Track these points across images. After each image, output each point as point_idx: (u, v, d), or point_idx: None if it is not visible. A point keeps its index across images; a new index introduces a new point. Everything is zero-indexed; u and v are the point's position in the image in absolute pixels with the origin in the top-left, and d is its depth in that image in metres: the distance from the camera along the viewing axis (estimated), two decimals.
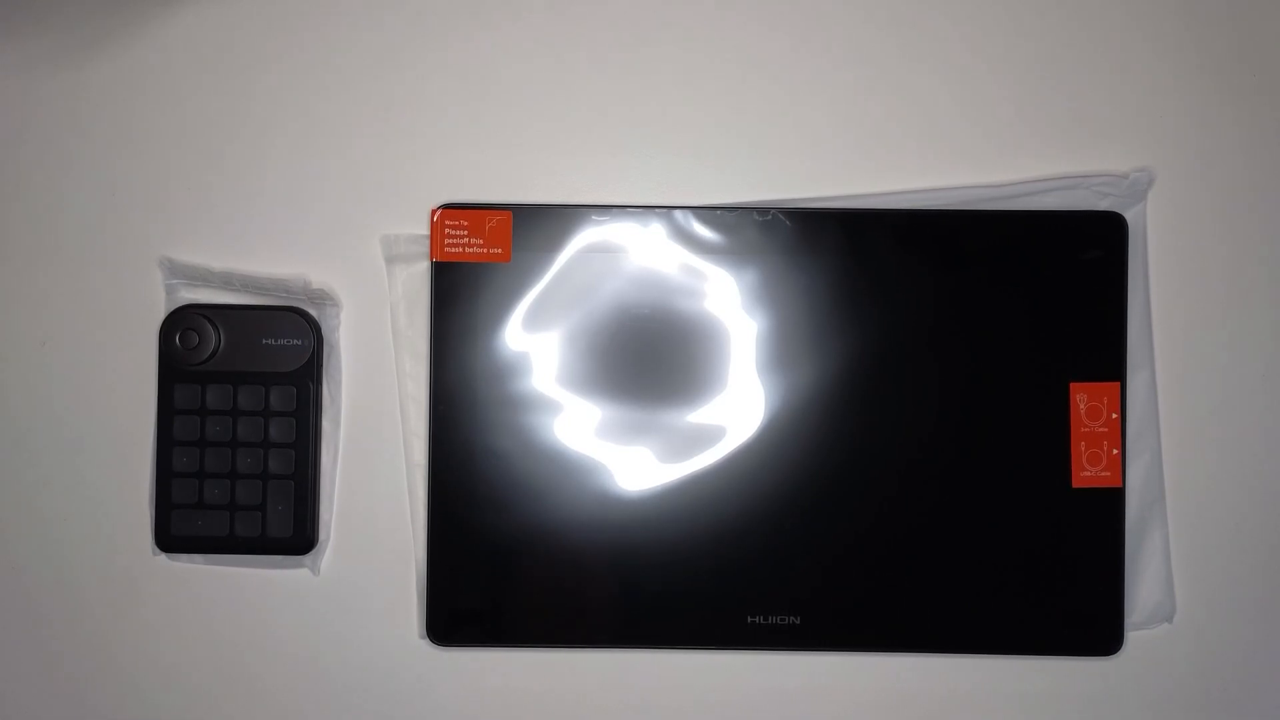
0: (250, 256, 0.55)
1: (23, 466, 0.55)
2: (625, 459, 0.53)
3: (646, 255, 0.54)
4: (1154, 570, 0.55)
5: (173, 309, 0.54)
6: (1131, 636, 0.55)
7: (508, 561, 0.54)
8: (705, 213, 0.54)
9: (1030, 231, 0.54)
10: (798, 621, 0.54)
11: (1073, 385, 0.54)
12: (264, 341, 0.54)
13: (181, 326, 0.54)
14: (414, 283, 0.55)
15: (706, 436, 0.54)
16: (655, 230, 0.54)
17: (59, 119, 0.56)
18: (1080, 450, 0.54)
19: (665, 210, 0.54)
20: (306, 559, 0.55)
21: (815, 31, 0.56)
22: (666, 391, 0.54)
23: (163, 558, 0.55)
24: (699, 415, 0.54)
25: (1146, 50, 0.56)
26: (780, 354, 0.54)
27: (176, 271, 0.55)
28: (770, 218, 0.54)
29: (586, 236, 0.54)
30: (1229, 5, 0.56)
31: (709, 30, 0.56)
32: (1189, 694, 0.55)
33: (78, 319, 0.55)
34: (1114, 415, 0.54)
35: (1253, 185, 0.55)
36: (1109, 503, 0.54)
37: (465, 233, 0.54)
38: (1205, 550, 0.55)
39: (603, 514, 0.53)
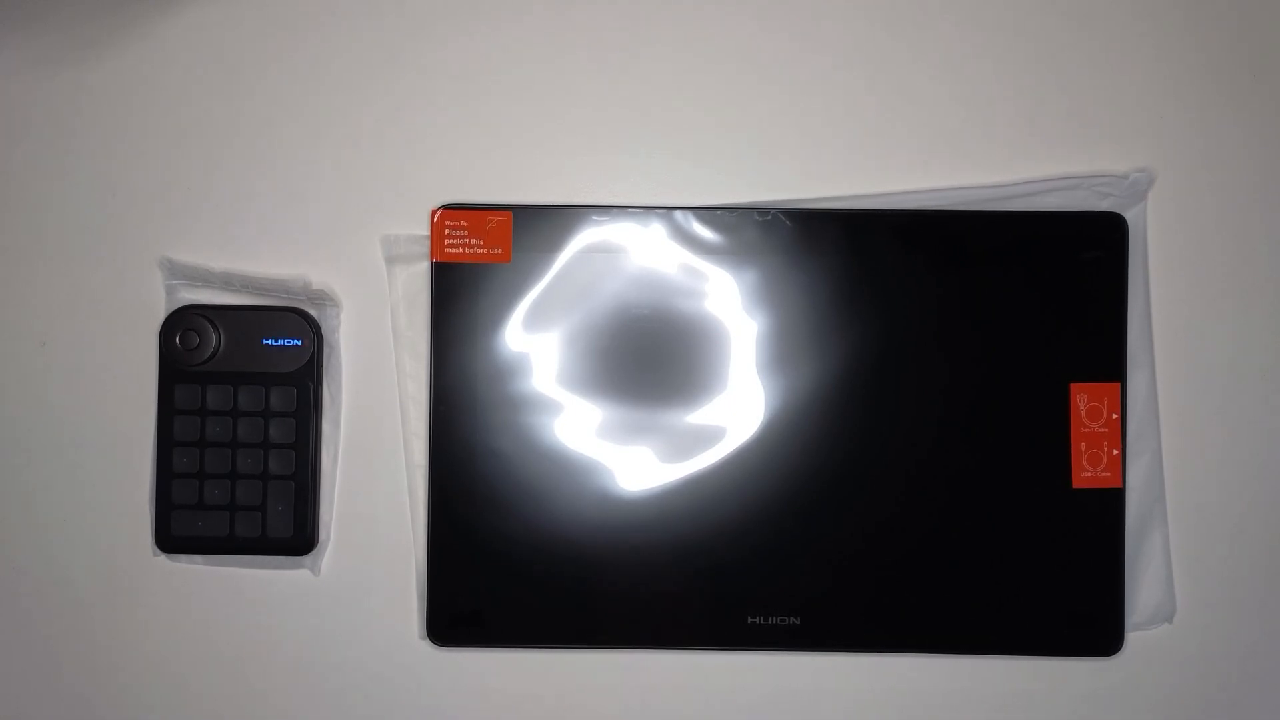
0: (250, 257, 0.55)
1: (23, 467, 0.55)
2: (625, 459, 0.53)
3: (646, 255, 0.54)
4: (1154, 570, 0.55)
5: (173, 309, 0.54)
6: (1131, 636, 0.55)
7: (508, 562, 0.54)
8: (705, 213, 0.54)
9: (1030, 231, 0.54)
10: (798, 622, 0.54)
11: (1073, 385, 0.54)
12: (264, 342, 0.54)
13: (181, 327, 0.54)
14: (414, 283, 0.55)
15: (707, 437, 0.54)
16: (655, 230, 0.54)
17: (59, 119, 0.56)
18: (1080, 450, 0.54)
19: (665, 210, 0.54)
20: (306, 559, 0.55)
21: (815, 31, 0.56)
22: (667, 392, 0.54)
23: (163, 558, 0.55)
24: (699, 415, 0.54)
25: (1146, 50, 0.56)
26: (780, 354, 0.54)
27: (176, 272, 0.55)
28: (770, 218, 0.54)
29: (586, 237, 0.54)
30: (1229, 5, 0.56)
31: (709, 30, 0.56)
32: (1189, 694, 0.55)
33: (78, 319, 0.55)
34: (1114, 415, 0.54)
35: (1253, 185, 0.55)
36: (1109, 503, 0.54)
37: (465, 233, 0.54)
38: (1205, 550, 0.55)
39: (603, 514, 0.53)
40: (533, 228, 0.54)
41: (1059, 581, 0.54)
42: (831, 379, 0.54)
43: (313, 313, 0.55)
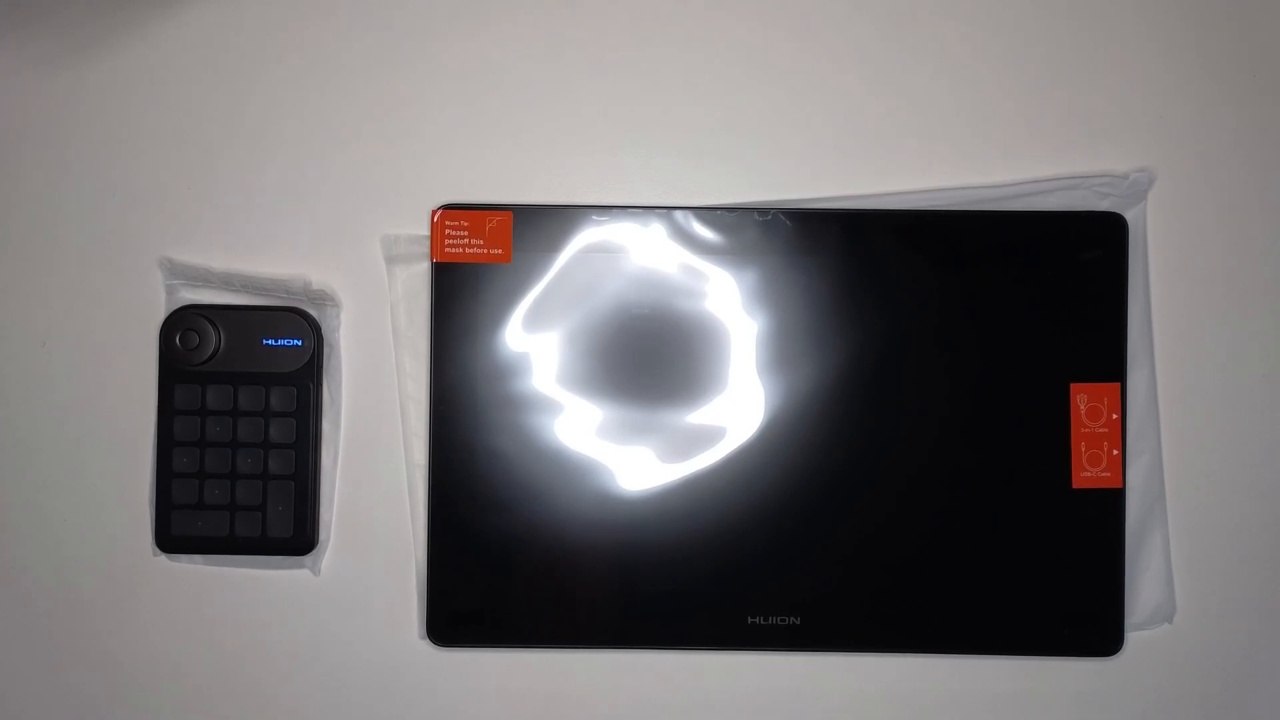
0: (250, 257, 0.55)
1: (23, 466, 0.55)
2: (625, 459, 0.53)
3: (647, 255, 0.54)
4: (1154, 570, 0.55)
5: (173, 309, 0.54)
6: (1131, 636, 0.55)
7: (508, 561, 0.54)
8: (705, 213, 0.54)
9: (1030, 231, 0.54)
10: (798, 622, 0.54)
11: (1073, 385, 0.54)
12: (264, 342, 0.54)
13: (181, 327, 0.54)
14: (414, 283, 0.55)
15: (707, 437, 0.54)
16: (655, 230, 0.54)
17: (59, 119, 0.56)
18: (1080, 450, 0.54)
19: (665, 210, 0.54)
20: (307, 559, 0.55)
21: (815, 31, 0.56)
22: (667, 391, 0.54)
23: (163, 558, 0.55)
24: (699, 415, 0.54)
25: (1146, 50, 0.56)
26: (780, 354, 0.54)
27: (176, 271, 0.55)
28: (770, 218, 0.54)
29: (586, 236, 0.54)
30: (1229, 5, 0.56)
31: (709, 30, 0.56)
32: (1189, 694, 0.55)
33: (78, 319, 0.55)
34: (1114, 415, 0.54)
35: (1253, 185, 0.55)
36: (1109, 503, 0.54)
37: (465, 233, 0.54)
38: (1205, 550, 0.55)
39: (603, 514, 0.53)
40: (533, 228, 0.54)
41: (1059, 581, 0.54)
42: (831, 379, 0.54)
43: (313, 313, 0.55)
